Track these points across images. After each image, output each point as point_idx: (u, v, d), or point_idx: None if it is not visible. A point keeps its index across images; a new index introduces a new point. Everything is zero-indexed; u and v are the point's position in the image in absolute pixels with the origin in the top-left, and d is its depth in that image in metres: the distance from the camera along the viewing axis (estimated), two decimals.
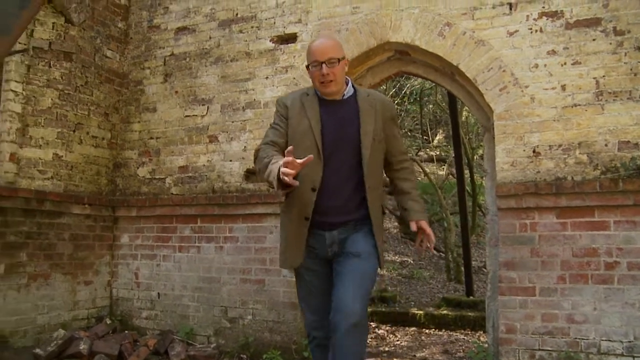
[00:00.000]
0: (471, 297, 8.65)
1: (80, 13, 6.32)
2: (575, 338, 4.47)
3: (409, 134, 19.01)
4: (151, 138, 6.54)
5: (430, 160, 15.98)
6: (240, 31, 6.10)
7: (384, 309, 8.11)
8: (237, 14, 6.14)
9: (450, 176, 14.38)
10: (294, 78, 5.78)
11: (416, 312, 7.91)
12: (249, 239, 5.81)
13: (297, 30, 5.85)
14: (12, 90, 5.80)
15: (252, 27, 6.06)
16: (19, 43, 5.88)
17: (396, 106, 16.38)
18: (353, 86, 3.12)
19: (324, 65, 2.91)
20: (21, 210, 5.62)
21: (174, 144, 6.36)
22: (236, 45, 6.12)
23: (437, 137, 17.90)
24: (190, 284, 6.05)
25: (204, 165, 6.16)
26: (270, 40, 5.96)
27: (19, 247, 5.59)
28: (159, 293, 6.23)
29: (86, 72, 6.38)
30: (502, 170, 4.81)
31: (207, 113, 6.20)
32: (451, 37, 5.10)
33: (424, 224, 3.06)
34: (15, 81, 5.83)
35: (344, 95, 3.06)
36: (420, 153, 15.84)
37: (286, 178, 2.53)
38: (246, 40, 6.08)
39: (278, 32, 5.95)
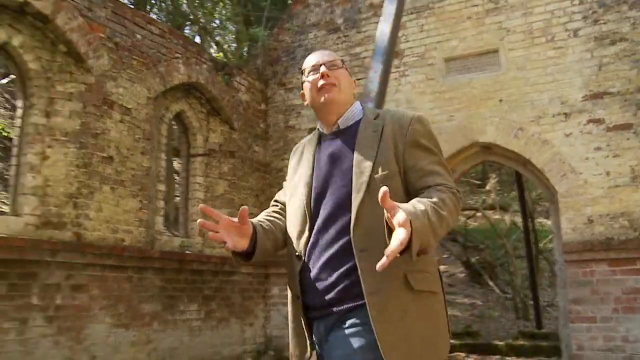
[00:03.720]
0: (542, 330, 10.38)
1: (239, 121, 8.55)
2: (631, 354, 6.25)
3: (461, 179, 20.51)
4: None
5: (491, 207, 17.33)
6: None
7: (470, 342, 9.88)
8: None
9: (514, 225, 15.97)
10: None
11: (498, 343, 9.65)
12: None
13: None
14: (197, 183, 8.03)
15: None
16: (200, 147, 8.13)
17: None
18: (363, 110, 2.25)
19: (323, 66, 2.18)
20: (211, 271, 7.74)
21: None
22: None
23: (491, 182, 18.87)
24: None
25: None
26: None
27: (211, 298, 7.70)
28: None
29: (244, 165, 8.57)
30: (566, 234, 6.72)
31: None
32: (523, 138, 7.09)
33: (404, 221, 1.67)
34: (199, 175, 8.06)
35: (338, 125, 2.20)
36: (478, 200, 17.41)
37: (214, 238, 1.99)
38: None
39: None
